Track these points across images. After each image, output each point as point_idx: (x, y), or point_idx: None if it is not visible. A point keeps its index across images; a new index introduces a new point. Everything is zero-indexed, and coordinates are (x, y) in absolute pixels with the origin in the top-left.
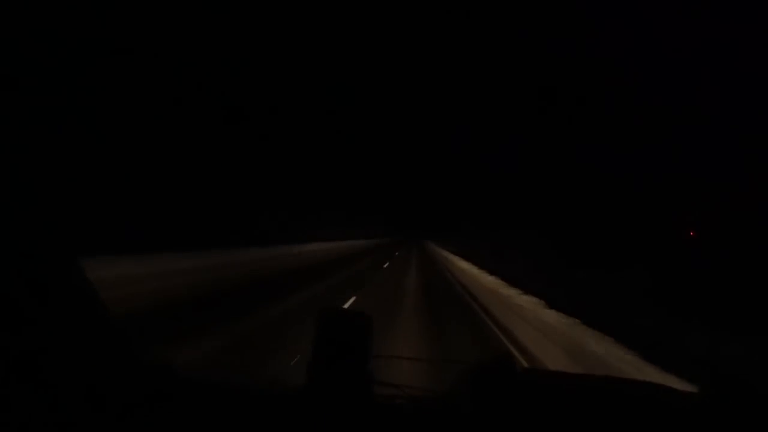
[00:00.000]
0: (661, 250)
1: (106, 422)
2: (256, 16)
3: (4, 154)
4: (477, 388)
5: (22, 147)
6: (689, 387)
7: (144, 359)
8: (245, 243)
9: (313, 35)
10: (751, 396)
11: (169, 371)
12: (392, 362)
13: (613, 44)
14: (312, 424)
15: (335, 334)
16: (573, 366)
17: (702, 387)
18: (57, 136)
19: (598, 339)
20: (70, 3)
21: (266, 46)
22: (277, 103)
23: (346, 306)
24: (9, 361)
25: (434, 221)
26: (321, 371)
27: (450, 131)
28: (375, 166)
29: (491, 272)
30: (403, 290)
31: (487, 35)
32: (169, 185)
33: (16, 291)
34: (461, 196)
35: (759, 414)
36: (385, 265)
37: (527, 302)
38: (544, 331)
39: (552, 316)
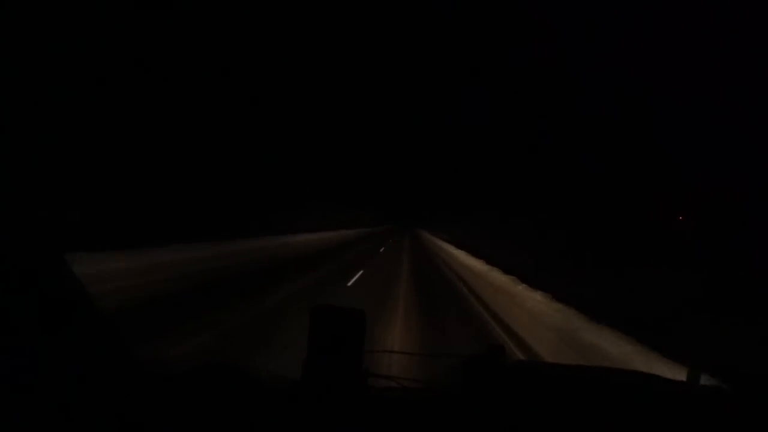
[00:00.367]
0: (659, 236)
1: (98, 416)
2: None
3: None
4: (468, 378)
5: (14, 141)
6: (678, 376)
7: (136, 353)
8: (245, 234)
9: (300, 23)
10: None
11: (162, 365)
12: (385, 355)
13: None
14: (307, 416)
15: (329, 330)
16: None
17: (691, 376)
18: (54, 138)
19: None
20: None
21: (253, 31)
22: (264, 92)
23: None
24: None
25: (427, 209)
26: (316, 366)
27: (445, 114)
28: (366, 152)
29: (506, 271)
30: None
31: (476, 13)
32: (163, 179)
33: (3, 287)
34: (453, 184)
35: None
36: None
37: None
38: None
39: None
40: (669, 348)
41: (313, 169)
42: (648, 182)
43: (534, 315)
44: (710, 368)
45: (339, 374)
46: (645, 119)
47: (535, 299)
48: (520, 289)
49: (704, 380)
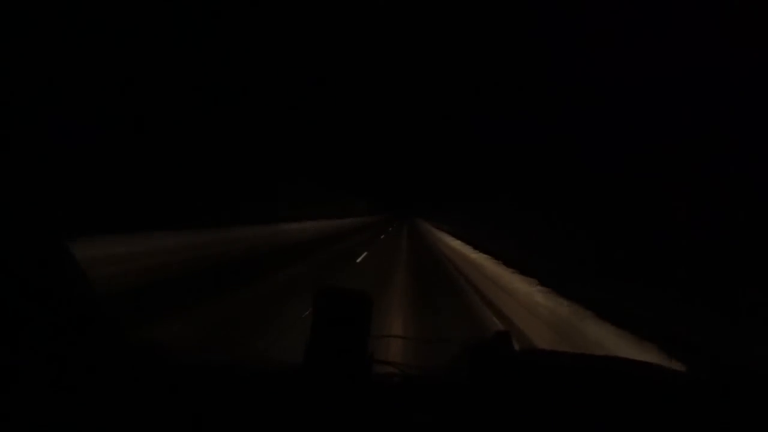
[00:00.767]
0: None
1: (93, 403)
2: None
3: None
4: (474, 365)
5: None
6: (688, 367)
7: (132, 339)
8: (250, 221)
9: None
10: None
11: (159, 350)
12: (390, 341)
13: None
14: (310, 401)
15: (334, 313)
16: None
17: (700, 368)
18: (46, 133)
19: None
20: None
21: (239, 14)
22: (257, 80)
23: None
24: None
25: (426, 198)
26: (319, 350)
27: (443, 103)
28: (362, 138)
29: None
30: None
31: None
32: (162, 169)
33: (1, 273)
34: (455, 172)
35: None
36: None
37: None
38: None
39: None
40: None
41: (310, 159)
42: (652, 174)
43: None
44: (714, 361)
45: (342, 360)
46: (649, 109)
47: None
48: None
49: (706, 373)
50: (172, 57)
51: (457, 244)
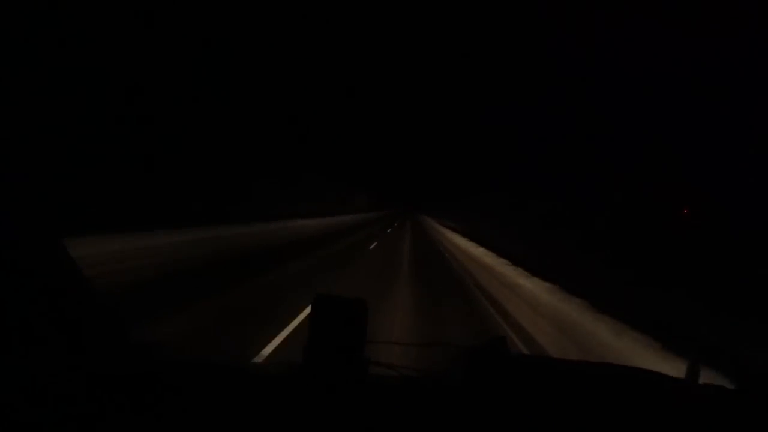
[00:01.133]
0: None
1: (95, 403)
2: None
3: None
4: (470, 368)
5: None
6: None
7: (133, 338)
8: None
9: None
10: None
11: (159, 350)
12: (387, 345)
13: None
14: (308, 403)
15: (330, 319)
16: None
17: (690, 373)
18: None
19: None
20: None
21: (246, 12)
22: (264, 75)
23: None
24: None
25: (430, 193)
26: (317, 353)
27: (448, 100)
28: (366, 131)
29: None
30: None
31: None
32: (168, 167)
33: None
34: (459, 166)
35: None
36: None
37: None
38: None
39: None
40: None
41: (314, 154)
42: (652, 175)
43: None
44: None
45: (339, 362)
46: (650, 110)
47: None
48: None
49: (704, 378)
50: (172, 57)
51: (457, 238)
